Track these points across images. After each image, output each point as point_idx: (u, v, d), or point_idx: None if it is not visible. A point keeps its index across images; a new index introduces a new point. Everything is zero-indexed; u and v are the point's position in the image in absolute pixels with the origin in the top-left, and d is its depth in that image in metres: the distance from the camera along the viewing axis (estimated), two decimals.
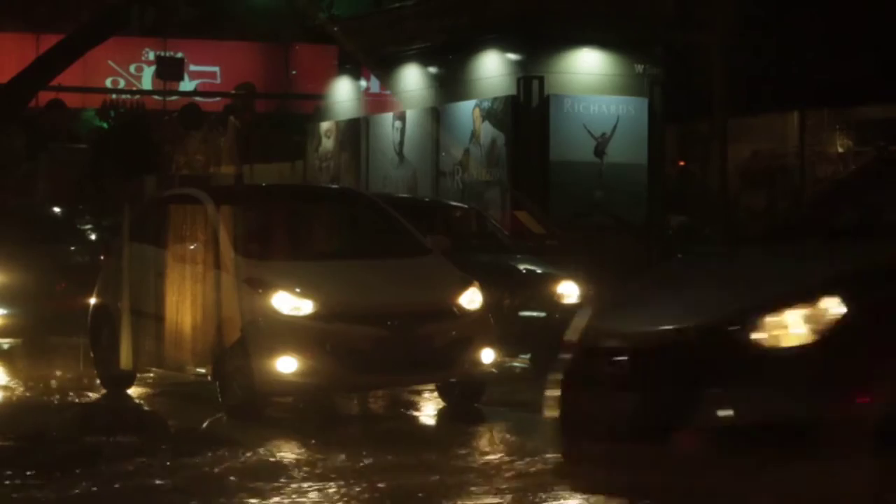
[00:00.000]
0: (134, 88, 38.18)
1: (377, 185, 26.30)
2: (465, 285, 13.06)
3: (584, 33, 23.89)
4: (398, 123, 26.73)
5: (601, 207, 23.56)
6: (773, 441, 6.69)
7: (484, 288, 13.19)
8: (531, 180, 23.51)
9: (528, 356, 16.48)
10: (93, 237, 22.84)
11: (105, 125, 41.27)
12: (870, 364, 6.75)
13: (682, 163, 26.45)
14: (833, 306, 6.82)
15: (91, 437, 11.78)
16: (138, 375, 14.80)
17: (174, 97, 37.85)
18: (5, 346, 18.89)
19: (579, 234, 21.60)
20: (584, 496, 8.90)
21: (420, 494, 9.49)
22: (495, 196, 23.98)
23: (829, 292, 6.87)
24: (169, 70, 34.61)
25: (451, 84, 25.72)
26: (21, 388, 15.06)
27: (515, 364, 16.41)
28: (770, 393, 6.77)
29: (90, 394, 14.61)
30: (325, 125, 29.58)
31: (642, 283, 8.17)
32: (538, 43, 23.97)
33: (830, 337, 6.76)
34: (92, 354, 15.10)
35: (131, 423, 12.86)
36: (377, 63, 27.18)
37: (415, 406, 13.90)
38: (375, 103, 29.08)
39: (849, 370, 6.75)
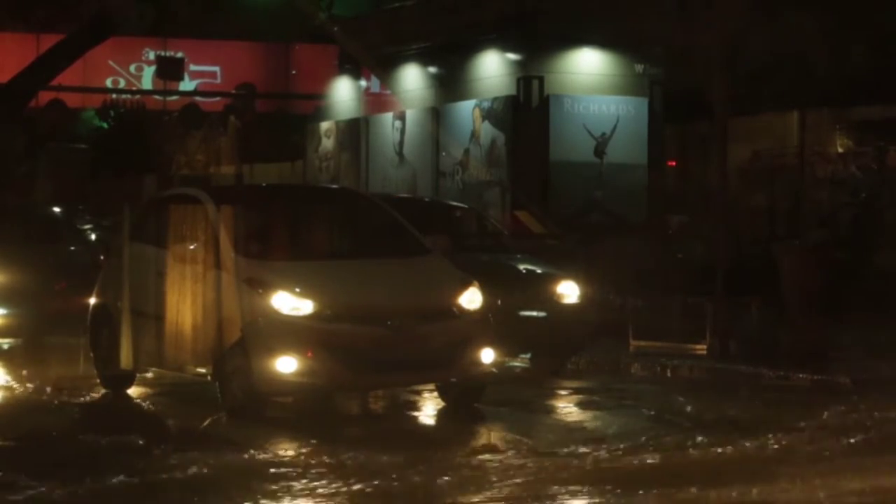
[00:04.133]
0: (134, 88, 38.22)
1: (377, 185, 26.27)
2: (465, 285, 13.05)
3: (584, 33, 23.89)
4: (398, 123, 26.71)
5: (601, 207, 23.54)
6: None
7: (484, 288, 13.19)
8: (531, 180, 23.50)
9: (528, 356, 16.48)
10: (93, 237, 22.81)
11: (105, 125, 41.31)
12: None
13: (671, 163, 26.39)
14: None
15: (91, 437, 11.78)
16: (138, 375, 14.80)
17: (174, 97, 37.87)
18: (5, 346, 18.89)
19: (579, 233, 21.58)
20: (586, 495, 8.88)
21: (420, 494, 9.49)
22: (495, 196, 23.96)
23: None
24: (169, 70, 34.63)
25: (451, 84, 25.72)
26: (21, 388, 15.05)
27: (515, 364, 16.40)
28: None
29: (90, 394, 14.60)
30: (325, 125, 29.55)
31: None
32: (538, 43, 23.96)
33: None
34: (92, 354, 15.08)
35: (131, 423, 12.85)
36: (377, 63, 27.18)
37: (415, 406, 13.89)
38: (375, 103, 29.08)
39: None
